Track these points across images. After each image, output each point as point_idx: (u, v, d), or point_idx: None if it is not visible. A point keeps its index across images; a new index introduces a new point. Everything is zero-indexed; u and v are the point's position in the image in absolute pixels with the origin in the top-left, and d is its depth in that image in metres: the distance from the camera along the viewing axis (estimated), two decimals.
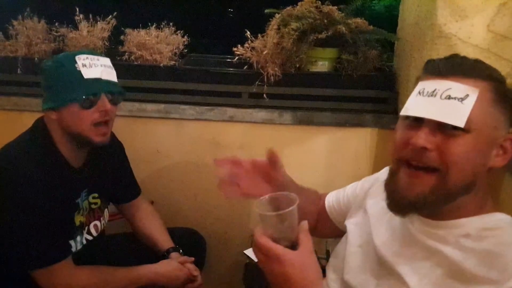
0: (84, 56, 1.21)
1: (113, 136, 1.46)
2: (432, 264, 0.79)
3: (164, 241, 1.51)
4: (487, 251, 0.74)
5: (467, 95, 0.73)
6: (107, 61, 1.26)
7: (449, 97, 0.74)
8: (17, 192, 1.16)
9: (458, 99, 0.74)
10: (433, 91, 0.76)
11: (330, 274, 0.99)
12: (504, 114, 0.76)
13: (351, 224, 1.01)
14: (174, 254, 1.48)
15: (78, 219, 1.33)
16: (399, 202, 0.80)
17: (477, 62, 0.80)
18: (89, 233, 1.37)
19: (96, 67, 1.21)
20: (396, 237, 0.87)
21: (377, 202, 0.95)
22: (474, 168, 0.76)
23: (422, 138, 0.75)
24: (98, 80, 1.21)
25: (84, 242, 1.35)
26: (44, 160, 1.23)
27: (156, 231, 1.53)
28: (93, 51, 1.31)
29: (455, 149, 0.74)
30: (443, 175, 0.75)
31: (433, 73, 0.79)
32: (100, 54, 1.28)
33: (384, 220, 0.91)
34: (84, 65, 1.20)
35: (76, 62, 1.19)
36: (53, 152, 1.25)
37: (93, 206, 1.39)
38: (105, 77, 1.22)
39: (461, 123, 0.73)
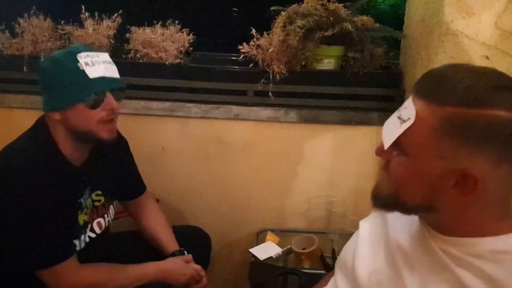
0: (85, 53, 1.17)
1: (117, 132, 1.46)
2: (441, 280, 0.76)
3: (169, 242, 1.50)
4: (500, 280, 0.70)
5: (409, 118, 0.71)
6: (106, 56, 1.22)
7: (399, 117, 0.74)
8: (18, 194, 1.15)
9: (402, 121, 0.72)
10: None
11: (339, 271, 0.98)
12: (460, 146, 0.67)
13: (364, 223, 0.99)
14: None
15: (82, 218, 1.32)
16: (374, 196, 0.83)
17: (451, 82, 0.68)
18: (92, 230, 1.37)
19: (99, 65, 1.18)
20: (412, 243, 0.85)
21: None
22: (421, 191, 0.73)
23: (376, 147, 0.79)
24: (102, 79, 1.18)
25: (87, 240, 1.34)
26: (44, 161, 1.20)
27: (162, 233, 1.51)
28: (90, 46, 1.26)
29: (392, 166, 0.77)
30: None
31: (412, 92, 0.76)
32: (98, 49, 1.24)
33: (403, 225, 0.89)
34: (87, 64, 1.15)
35: (78, 61, 1.15)
36: (53, 152, 1.23)
37: (96, 203, 1.38)
38: (108, 74, 1.19)
39: (386, 145, 0.75)
